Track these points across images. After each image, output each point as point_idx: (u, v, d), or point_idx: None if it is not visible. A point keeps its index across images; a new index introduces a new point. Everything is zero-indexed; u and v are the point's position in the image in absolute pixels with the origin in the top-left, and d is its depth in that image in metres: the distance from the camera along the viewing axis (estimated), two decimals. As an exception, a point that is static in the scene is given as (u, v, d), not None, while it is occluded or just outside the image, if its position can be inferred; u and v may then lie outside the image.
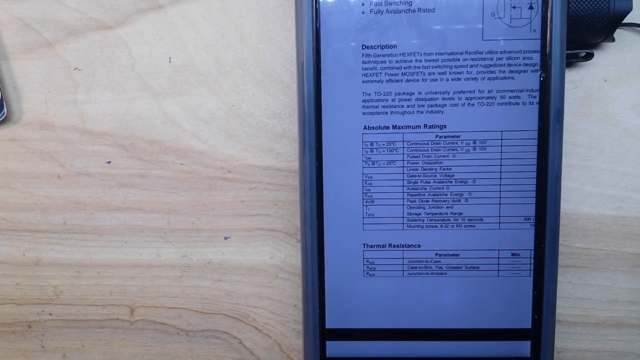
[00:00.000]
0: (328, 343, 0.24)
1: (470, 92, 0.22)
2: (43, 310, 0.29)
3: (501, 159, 0.23)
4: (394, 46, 0.22)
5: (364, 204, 0.23)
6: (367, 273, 0.24)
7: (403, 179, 0.23)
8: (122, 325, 0.29)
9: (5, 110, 0.27)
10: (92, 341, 0.29)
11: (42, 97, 0.28)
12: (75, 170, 0.28)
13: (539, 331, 0.23)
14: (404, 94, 0.23)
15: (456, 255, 0.23)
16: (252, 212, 0.27)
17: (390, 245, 0.24)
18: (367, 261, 0.24)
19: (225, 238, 0.28)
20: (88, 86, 0.27)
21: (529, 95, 0.22)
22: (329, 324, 0.24)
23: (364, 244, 0.24)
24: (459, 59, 0.22)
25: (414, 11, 0.22)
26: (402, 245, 0.24)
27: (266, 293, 0.28)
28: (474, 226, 0.23)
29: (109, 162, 0.28)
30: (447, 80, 0.22)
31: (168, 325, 0.29)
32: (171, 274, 0.28)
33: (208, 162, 0.27)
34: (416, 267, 0.24)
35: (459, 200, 0.23)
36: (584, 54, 0.25)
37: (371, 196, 0.23)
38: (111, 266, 0.28)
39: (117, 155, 0.28)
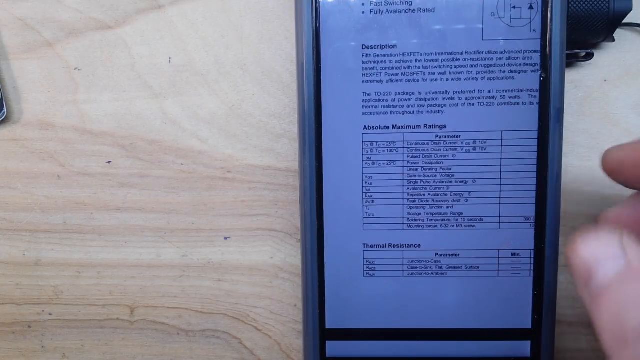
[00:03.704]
0: (328, 343, 0.24)
1: (470, 92, 0.22)
2: (43, 310, 0.29)
3: (501, 159, 0.23)
4: (394, 46, 0.22)
5: (364, 204, 0.23)
6: (367, 273, 0.24)
7: (403, 179, 0.23)
8: (122, 325, 0.29)
9: (5, 110, 0.27)
10: (92, 341, 0.29)
11: (42, 97, 0.28)
12: (75, 170, 0.28)
13: (539, 331, 0.23)
14: (404, 94, 0.22)
15: (456, 255, 0.23)
16: (252, 212, 0.27)
17: (390, 245, 0.23)
18: (367, 261, 0.24)
19: (225, 238, 0.28)
20: (88, 86, 0.27)
21: (529, 95, 0.22)
22: (329, 324, 0.24)
23: (364, 244, 0.24)
24: (459, 59, 0.22)
25: (414, 11, 0.22)
26: (402, 245, 0.23)
27: (266, 293, 0.28)
28: (474, 226, 0.23)
29: (109, 162, 0.28)
30: (447, 80, 0.22)
31: (168, 325, 0.29)
32: (171, 274, 0.28)
33: (208, 162, 0.27)
34: (416, 267, 0.24)
35: (459, 200, 0.23)
36: (584, 54, 0.25)
37: (371, 196, 0.23)
38: (111, 266, 0.28)
39: (117, 155, 0.28)
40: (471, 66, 0.22)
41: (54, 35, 0.27)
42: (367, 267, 0.24)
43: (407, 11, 0.22)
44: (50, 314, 0.29)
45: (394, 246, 0.23)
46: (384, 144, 0.23)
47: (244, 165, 0.27)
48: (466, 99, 0.22)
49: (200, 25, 0.27)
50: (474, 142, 0.23)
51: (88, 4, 0.27)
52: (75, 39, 0.27)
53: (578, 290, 0.17)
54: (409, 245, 0.23)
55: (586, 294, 0.17)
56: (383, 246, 0.24)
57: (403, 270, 0.24)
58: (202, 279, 0.28)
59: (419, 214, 0.23)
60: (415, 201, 0.23)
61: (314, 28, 0.22)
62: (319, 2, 0.22)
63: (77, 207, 0.28)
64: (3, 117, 0.27)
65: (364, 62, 0.22)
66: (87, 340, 0.29)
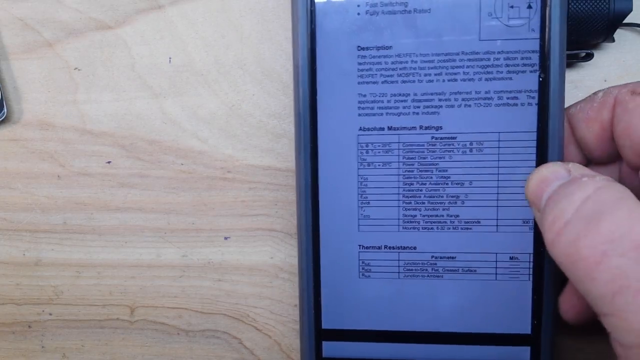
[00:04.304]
0: (324, 343, 0.24)
1: (466, 93, 0.22)
2: (43, 310, 0.29)
3: (499, 160, 0.22)
4: (390, 47, 0.22)
5: (360, 205, 0.23)
6: (362, 274, 0.24)
7: (399, 181, 0.23)
8: (122, 325, 0.29)
9: (5, 110, 0.27)
10: (92, 341, 0.29)
11: (42, 97, 0.28)
12: (75, 170, 0.28)
13: (538, 337, 0.23)
14: (400, 95, 0.22)
15: (453, 258, 0.23)
16: (252, 212, 0.27)
17: (385, 246, 0.23)
18: (363, 262, 0.23)
19: (225, 238, 0.28)
20: (88, 86, 0.27)
21: (528, 96, 0.22)
22: (325, 324, 0.24)
23: (360, 245, 0.23)
24: (455, 60, 0.22)
25: (409, 12, 0.22)
26: (398, 247, 0.23)
27: (266, 293, 0.28)
28: (470, 229, 0.23)
29: (109, 162, 0.28)
30: (444, 81, 0.22)
31: (168, 325, 0.29)
32: (171, 274, 0.28)
33: (208, 162, 0.27)
34: (412, 269, 0.23)
35: (456, 203, 0.23)
36: (583, 54, 0.25)
37: (367, 197, 0.23)
38: (111, 266, 0.28)
39: (117, 155, 0.28)
40: (468, 67, 0.22)
41: (54, 35, 0.27)
42: (363, 269, 0.24)
43: (402, 12, 0.22)
44: (50, 314, 0.29)
45: (390, 248, 0.23)
46: (379, 146, 0.23)
47: (244, 165, 0.27)
48: (463, 100, 0.22)
49: (200, 25, 0.27)
50: (471, 143, 0.22)
51: (88, 4, 0.27)
52: (75, 39, 0.27)
53: (537, 220, 0.19)
54: (404, 247, 0.23)
55: (539, 217, 0.19)
56: (379, 248, 0.23)
57: (399, 272, 0.23)
58: (202, 279, 0.28)
59: (415, 215, 0.23)
60: (411, 203, 0.23)
61: (310, 29, 0.22)
62: (315, 3, 0.22)
63: (77, 207, 0.28)
64: (3, 117, 0.27)
65: (359, 64, 0.22)
66: (87, 340, 0.29)
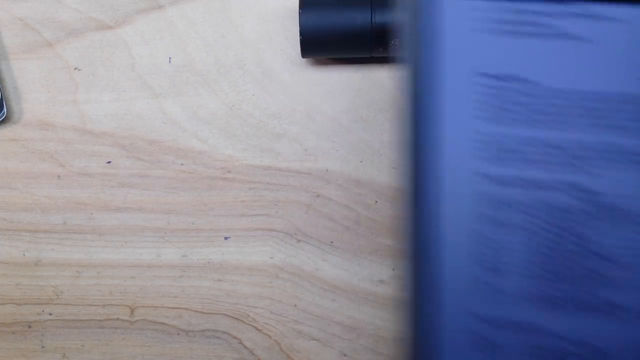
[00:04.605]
0: None
1: (633, 150, 0.17)
2: (43, 310, 0.29)
3: None
4: (532, 80, 0.17)
5: (482, 269, 0.18)
6: (482, 350, 0.19)
7: (533, 247, 0.18)
8: (122, 325, 0.29)
9: (5, 110, 0.27)
10: (92, 341, 0.29)
11: (42, 97, 0.28)
12: (75, 170, 0.28)
13: None
14: (539, 141, 0.17)
15: (598, 351, 0.18)
16: (252, 212, 0.27)
17: (511, 322, 0.18)
18: (482, 337, 0.19)
19: (225, 238, 0.28)
20: (88, 86, 0.27)
21: None
22: None
23: (479, 316, 0.18)
24: (617, 104, 0.17)
25: (558, 37, 0.17)
26: (526, 326, 0.18)
27: (266, 293, 0.28)
28: (626, 319, 0.17)
29: (109, 162, 0.28)
30: (600, 130, 0.17)
31: (168, 325, 0.29)
32: (171, 274, 0.28)
33: (208, 162, 0.27)
34: (544, 356, 0.18)
35: (607, 285, 0.17)
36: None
37: (491, 262, 0.18)
38: (111, 266, 0.28)
39: (117, 155, 0.28)
40: (635, 116, 0.16)
41: (54, 35, 0.27)
42: (482, 344, 0.19)
43: (549, 36, 0.17)
44: (50, 314, 0.29)
45: (515, 325, 0.18)
46: (510, 202, 0.18)
47: (244, 165, 0.27)
48: (627, 158, 0.17)
49: (200, 25, 0.27)
50: (635, 215, 0.17)
51: (88, 4, 0.27)
52: (75, 39, 0.27)
53: None
54: (535, 327, 0.18)
55: None
56: (501, 324, 0.18)
57: (526, 354, 0.18)
58: (202, 279, 0.28)
59: (552, 293, 0.18)
60: (547, 276, 0.18)
61: (431, 50, 0.17)
62: (441, 17, 0.17)
63: (77, 207, 0.28)
64: (3, 117, 0.27)
65: (488, 95, 0.17)
66: (87, 340, 0.29)
